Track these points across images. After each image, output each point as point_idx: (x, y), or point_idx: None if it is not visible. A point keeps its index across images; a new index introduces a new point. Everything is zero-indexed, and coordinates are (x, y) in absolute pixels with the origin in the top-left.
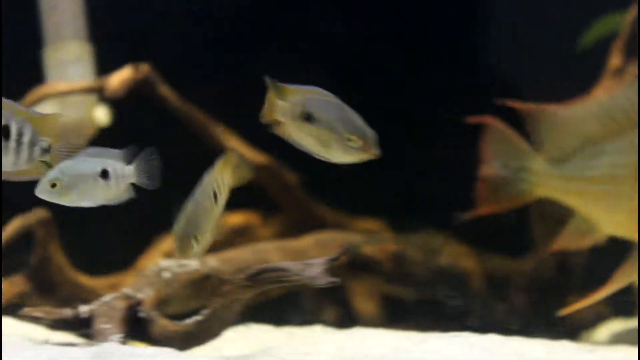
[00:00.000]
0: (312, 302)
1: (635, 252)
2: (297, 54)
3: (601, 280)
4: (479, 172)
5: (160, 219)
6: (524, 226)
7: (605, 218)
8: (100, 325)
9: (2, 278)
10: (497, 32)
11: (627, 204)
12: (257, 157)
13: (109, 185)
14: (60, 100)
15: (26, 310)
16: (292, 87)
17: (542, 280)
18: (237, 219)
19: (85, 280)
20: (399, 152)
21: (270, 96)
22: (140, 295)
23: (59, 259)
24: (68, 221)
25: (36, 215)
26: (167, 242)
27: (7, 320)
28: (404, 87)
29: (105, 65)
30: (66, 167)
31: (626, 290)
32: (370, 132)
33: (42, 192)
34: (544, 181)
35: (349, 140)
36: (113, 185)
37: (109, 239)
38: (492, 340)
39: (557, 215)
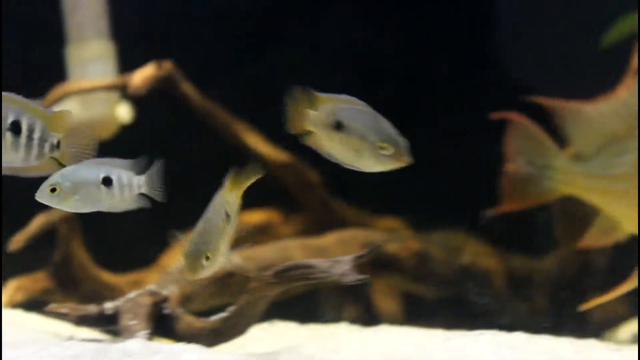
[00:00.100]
0: (334, 300)
1: None
2: (318, 53)
3: (623, 278)
4: (503, 169)
5: (183, 216)
6: (546, 225)
7: (627, 216)
8: (127, 321)
9: (25, 274)
10: (518, 30)
11: None
12: (278, 155)
13: (111, 193)
14: (83, 98)
15: (52, 306)
16: (323, 96)
17: (565, 279)
18: (258, 216)
19: (107, 277)
20: (419, 151)
21: (300, 106)
22: (165, 292)
23: (82, 255)
24: (91, 218)
25: (59, 212)
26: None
27: (31, 316)
28: (423, 84)
29: (127, 63)
30: (68, 172)
31: None
32: (402, 140)
33: (42, 196)
34: (568, 179)
35: (381, 148)
36: (117, 194)
37: (131, 236)
38: (519, 338)
39: (579, 214)
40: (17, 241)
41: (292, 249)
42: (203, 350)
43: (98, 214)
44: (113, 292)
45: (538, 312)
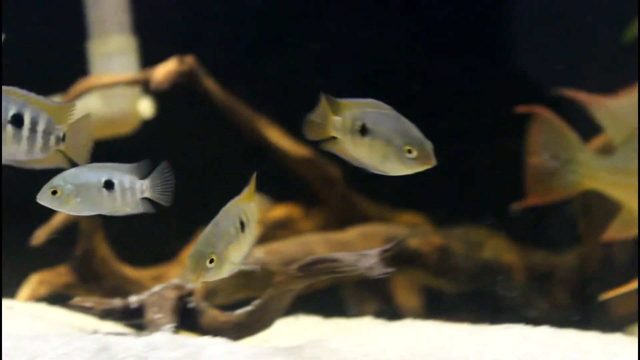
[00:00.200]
0: (355, 294)
1: None
2: (339, 53)
3: None
4: (527, 163)
5: (204, 210)
6: (569, 220)
7: None
8: (152, 315)
9: (48, 269)
10: (540, 26)
11: None
12: (300, 150)
13: (113, 196)
14: (105, 93)
15: (76, 300)
16: (347, 101)
17: (587, 274)
18: (279, 211)
19: (129, 271)
20: (441, 146)
21: (323, 112)
22: (190, 286)
23: (103, 250)
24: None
25: None
26: None
27: (55, 310)
28: (444, 80)
29: (149, 58)
30: (70, 175)
31: None
32: (427, 143)
33: (43, 198)
34: (592, 173)
35: (408, 152)
36: (118, 198)
37: (152, 230)
38: (545, 332)
39: (602, 209)
40: (39, 235)
41: (315, 244)
42: (228, 343)
43: None
44: (134, 287)
45: (560, 306)
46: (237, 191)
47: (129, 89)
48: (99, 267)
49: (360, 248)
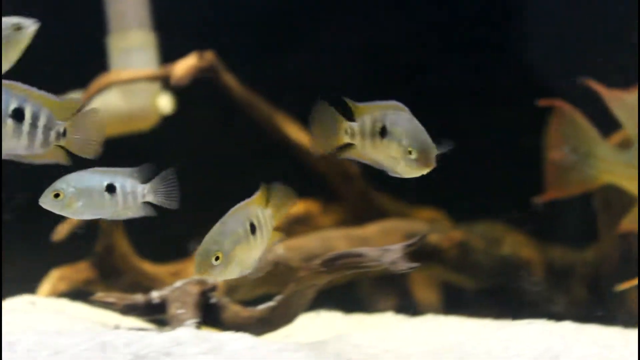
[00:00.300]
0: (373, 290)
1: None
2: (358, 48)
3: None
4: (547, 156)
5: (223, 206)
6: (588, 216)
7: None
8: (174, 310)
9: (68, 265)
10: (559, 22)
11: None
12: None
13: (115, 200)
14: (124, 88)
15: (98, 295)
16: (367, 105)
17: (606, 270)
18: (297, 207)
19: (148, 267)
20: (459, 142)
21: (338, 121)
22: (212, 281)
23: (123, 246)
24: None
25: None
26: None
27: (77, 305)
28: (462, 78)
29: (168, 53)
30: (72, 178)
31: None
32: (429, 146)
33: (46, 201)
34: (610, 167)
35: (409, 153)
36: (120, 201)
37: (172, 226)
38: (568, 327)
39: (621, 205)
40: (61, 231)
41: (335, 239)
42: (251, 339)
43: None
44: (154, 282)
45: (579, 302)
46: (256, 187)
47: (148, 84)
48: (118, 263)
49: (380, 243)
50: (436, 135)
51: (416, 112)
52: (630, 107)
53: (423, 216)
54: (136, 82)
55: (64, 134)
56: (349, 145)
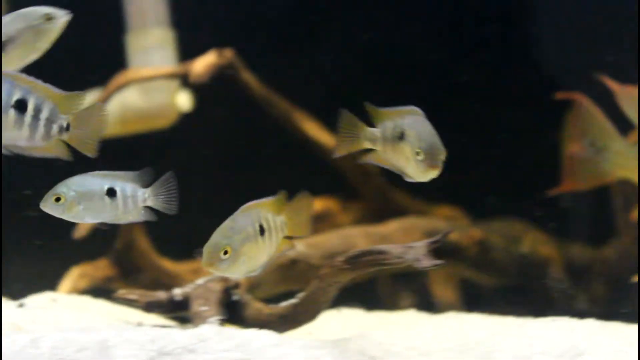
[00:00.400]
0: (391, 287)
1: None
2: (382, 44)
3: None
4: (566, 149)
5: (242, 203)
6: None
7: None
8: (198, 307)
9: (88, 262)
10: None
11: None
12: None
13: (115, 204)
14: (143, 86)
15: (121, 292)
16: (388, 110)
17: (626, 267)
18: (317, 204)
19: (168, 265)
20: (476, 140)
21: (360, 128)
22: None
23: (143, 243)
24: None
25: None
26: None
27: (98, 302)
28: (480, 76)
29: (186, 51)
30: (73, 182)
31: None
32: (438, 149)
33: (47, 205)
34: (624, 163)
35: (417, 154)
36: (121, 205)
37: (192, 224)
38: (592, 325)
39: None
40: (82, 229)
41: (355, 237)
42: (275, 336)
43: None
44: (174, 280)
45: (599, 299)
46: (275, 184)
47: (167, 82)
48: (138, 260)
49: (399, 241)
50: (451, 136)
51: (433, 110)
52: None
53: (441, 214)
54: (155, 79)
55: (67, 128)
56: (370, 150)
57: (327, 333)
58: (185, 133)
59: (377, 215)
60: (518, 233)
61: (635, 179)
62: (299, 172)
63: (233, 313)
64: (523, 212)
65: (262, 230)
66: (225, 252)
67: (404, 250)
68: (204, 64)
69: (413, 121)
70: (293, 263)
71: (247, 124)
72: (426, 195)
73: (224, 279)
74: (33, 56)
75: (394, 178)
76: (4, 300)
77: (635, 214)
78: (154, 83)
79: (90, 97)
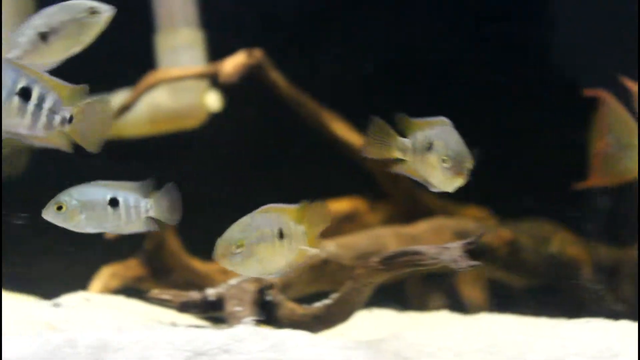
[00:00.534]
0: (420, 289)
1: None
2: (409, 46)
3: None
4: (593, 145)
5: (269, 202)
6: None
7: None
8: (232, 307)
9: (118, 262)
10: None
11: None
12: None
13: (118, 214)
14: (173, 86)
15: (154, 292)
16: (419, 121)
17: None
18: (344, 205)
19: (198, 265)
20: (502, 140)
21: (391, 137)
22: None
23: (173, 243)
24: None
25: None
26: None
27: (131, 302)
28: (505, 76)
29: (215, 51)
30: (75, 191)
31: None
32: (465, 157)
33: (48, 213)
34: None
35: (443, 161)
36: (123, 215)
37: (222, 224)
38: (626, 326)
39: None
40: None
41: (385, 237)
42: (310, 336)
43: (190, 202)
44: (204, 280)
45: (629, 300)
46: (303, 184)
47: (196, 82)
48: (168, 260)
49: (429, 241)
50: (478, 136)
51: (461, 111)
52: None
53: (469, 214)
54: (184, 80)
55: (70, 120)
56: (400, 160)
57: (359, 334)
58: (215, 133)
59: (405, 215)
60: (547, 233)
61: None
62: (327, 172)
63: (266, 313)
64: (551, 213)
65: (281, 235)
66: (239, 247)
67: (440, 251)
68: (233, 64)
69: (441, 131)
70: (324, 263)
71: (276, 124)
72: (453, 195)
73: (258, 280)
74: (76, 49)
75: None
76: (38, 300)
77: None
78: (183, 83)
79: (120, 97)
